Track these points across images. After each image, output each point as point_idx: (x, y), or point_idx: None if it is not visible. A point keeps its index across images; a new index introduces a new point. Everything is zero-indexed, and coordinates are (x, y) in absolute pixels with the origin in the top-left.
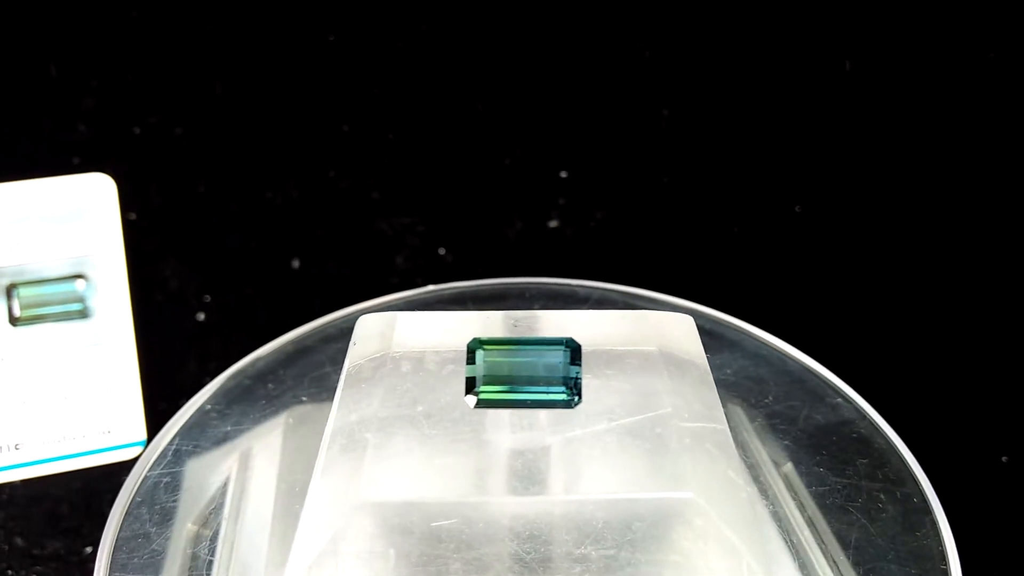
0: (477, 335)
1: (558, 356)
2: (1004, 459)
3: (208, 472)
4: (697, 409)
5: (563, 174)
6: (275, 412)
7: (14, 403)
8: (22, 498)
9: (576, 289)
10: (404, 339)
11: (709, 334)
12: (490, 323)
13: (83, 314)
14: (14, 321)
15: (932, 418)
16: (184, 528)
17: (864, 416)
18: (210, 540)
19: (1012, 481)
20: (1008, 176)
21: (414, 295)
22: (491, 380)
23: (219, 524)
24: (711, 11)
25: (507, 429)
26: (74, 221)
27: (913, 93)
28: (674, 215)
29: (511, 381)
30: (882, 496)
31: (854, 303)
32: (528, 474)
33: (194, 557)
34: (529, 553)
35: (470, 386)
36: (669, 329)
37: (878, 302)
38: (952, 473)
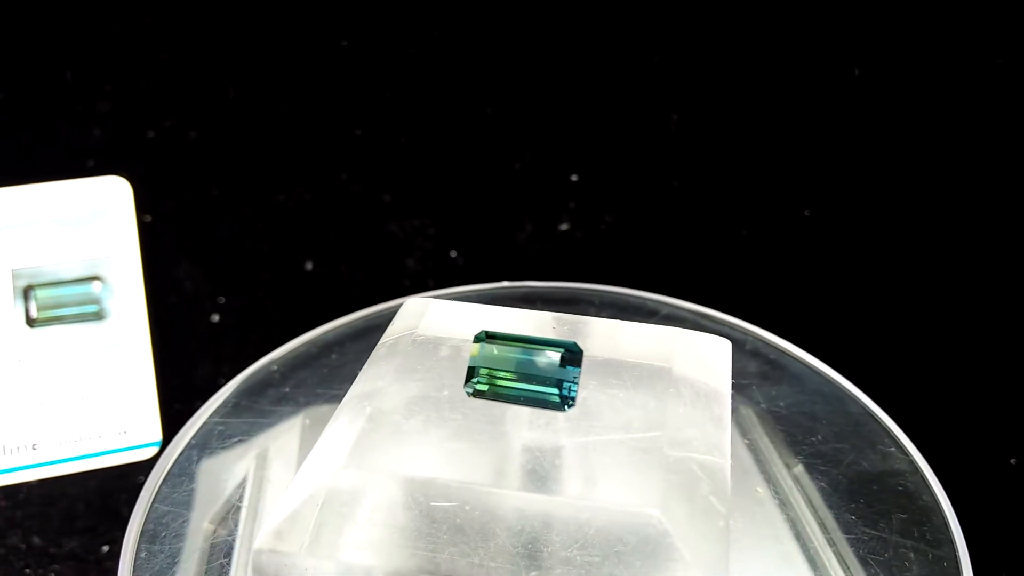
0: (508, 329)
1: (556, 359)
2: (1012, 461)
3: (224, 472)
4: (698, 433)
5: (573, 178)
6: (295, 411)
7: (31, 403)
8: (39, 498)
9: (647, 302)
10: (432, 324)
11: (773, 364)
12: (528, 321)
13: (99, 316)
14: (31, 322)
15: (938, 417)
16: (201, 527)
17: (916, 470)
18: (227, 539)
19: (1021, 483)
20: (1018, 179)
21: (488, 289)
22: (489, 373)
23: (237, 524)
24: (720, 17)
25: (517, 425)
26: (90, 224)
27: (921, 98)
28: (683, 218)
29: (508, 377)
30: (911, 555)
31: (859, 305)
32: (525, 472)
33: (212, 556)
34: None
35: (470, 376)
36: (700, 351)
37: (883, 304)
38: (961, 474)
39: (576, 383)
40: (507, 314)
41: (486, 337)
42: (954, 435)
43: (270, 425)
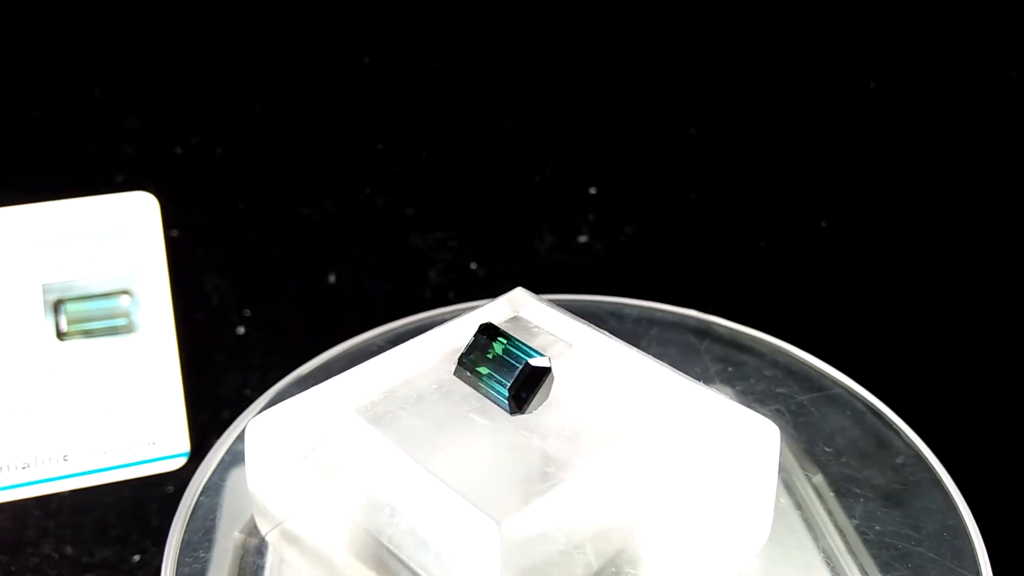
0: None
1: (518, 367)
2: None
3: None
4: (647, 495)
5: (592, 190)
6: None
7: (62, 415)
8: (71, 508)
9: (808, 369)
10: (530, 315)
11: (899, 472)
12: (596, 345)
13: (128, 329)
14: (61, 336)
15: (954, 421)
16: (231, 536)
17: None
18: (259, 550)
19: None
20: None
21: (670, 311)
22: (474, 359)
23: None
24: (737, 31)
25: (505, 418)
26: (118, 238)
27: (936, 110)
28: (701, 230)
29: (484, 366)
30: None
31: (877, 316)
32: (477, 459)
33: (242, 565)
34: None
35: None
36: (735, 431)
37: (899, 314)
38: (979, 477)
39: (530, 395)
40: (588, 334)
41: (487, 329)
42: (970, 436)
43: None
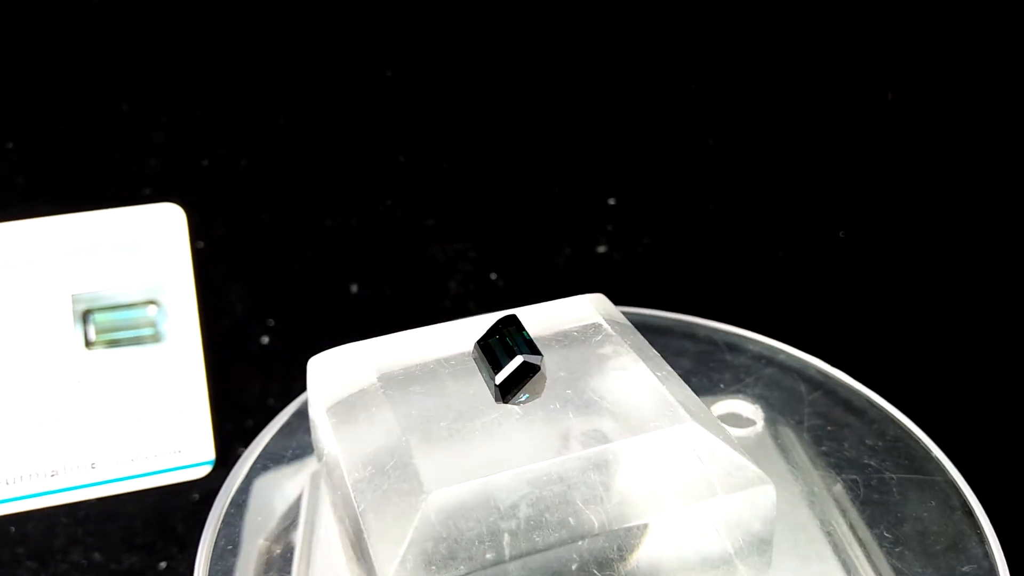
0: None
1: (516, 363)
2: None
3: (278, 491)
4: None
5: (611, 201)
6: None
7: (90, 424)
8: (98, 515)
9: (891, 426)
10: (614, 316)
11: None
12: (637, 371)
13: (155, 338)
14: (89, 345)
15: (969, 426)
16: (256, 544)
17: None
18: (284, 557)
19: None
20: None
21: (766, 345)
22: (490, 344)
23: (293, 541)
24: (755, 43)
25: (532, 419)
26: (146, 249)
27: (954, 122)
28: (719, 241)
29: (494, 353)
30: None
31: (894, 326)
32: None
33: (267, 571)
34: None
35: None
36: (736, 488)
37: (917, 324)
38: (997, 483)
39: (516, 387)
40: (649, 356)
41: (508, 320)
42: (987, 442)
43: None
